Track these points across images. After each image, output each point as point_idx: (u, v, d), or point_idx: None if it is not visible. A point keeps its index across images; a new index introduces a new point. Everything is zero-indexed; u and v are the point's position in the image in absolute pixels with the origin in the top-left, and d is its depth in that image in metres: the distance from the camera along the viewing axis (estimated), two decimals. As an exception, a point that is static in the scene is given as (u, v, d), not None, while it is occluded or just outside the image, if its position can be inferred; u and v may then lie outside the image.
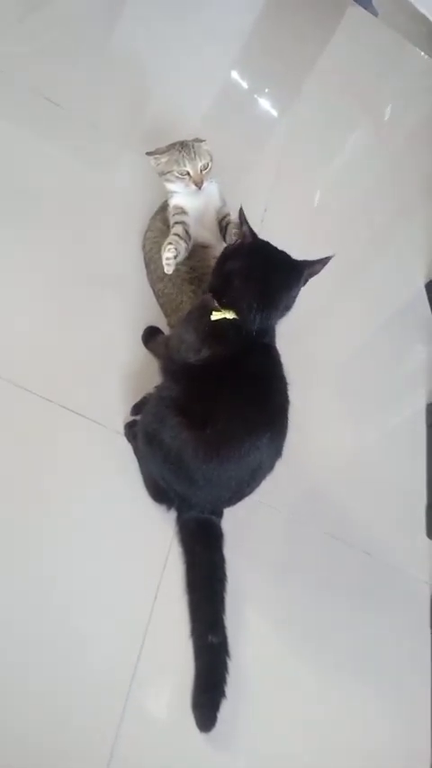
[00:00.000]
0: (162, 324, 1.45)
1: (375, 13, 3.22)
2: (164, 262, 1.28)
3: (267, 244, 1.15)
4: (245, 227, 1.09)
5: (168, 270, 1.29)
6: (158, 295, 1.46)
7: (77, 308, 1.38)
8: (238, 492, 1.11)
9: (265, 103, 2.32)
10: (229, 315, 1.07)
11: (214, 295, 1.11)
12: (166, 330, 1.43)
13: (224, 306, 1.08)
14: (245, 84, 2.32)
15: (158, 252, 1.43)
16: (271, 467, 1.10)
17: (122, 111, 1.81)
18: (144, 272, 1.50)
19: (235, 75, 2.33)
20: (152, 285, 1.48)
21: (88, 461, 1.22)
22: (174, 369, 1.13)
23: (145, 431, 1.12)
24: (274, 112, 2.32)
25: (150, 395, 1.18)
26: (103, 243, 1.51)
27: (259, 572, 1.25)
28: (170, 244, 1.29)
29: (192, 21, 2.27)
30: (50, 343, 1.30)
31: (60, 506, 1.15)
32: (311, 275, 1.13)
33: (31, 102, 1.63)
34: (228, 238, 1.45)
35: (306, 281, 1.13)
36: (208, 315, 1.08)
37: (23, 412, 1.19)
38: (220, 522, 1.18)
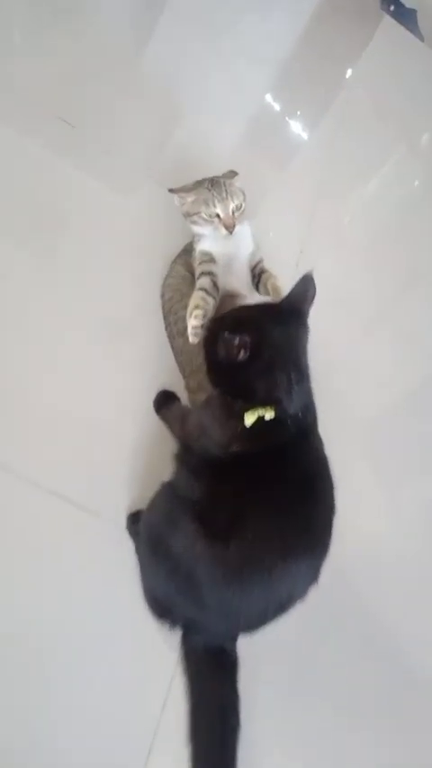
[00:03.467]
0: (179, 385, 1.24)
1: (422, 38, 3.06)
2: (189, 331, 1.09)
3: (263, 318, 0.94)
4: (246, 346, 0.88)
5: (194, 340, 1.08)
6: (177, 352, 1.26)
7: (77, 362, 1.19)
8: (259, 623, 0.90)
9: (298, 129, 2.12)
10: (267, 413, 0.87)
11: (234, 399, 0.92)
12: (182, 394, 1.23)
13: (253, 407, 0.88)
14: (278, 109, 2.14)
15: (180, 302, 1.26)
16: (303, 595, 0.88)
17: (147, 137, 1.63)
18: (161, 323, 1.31)
19: (269, 98, 2.15)
20: (170, 340, 1.28)
21: (80, 559, 1.02)
22: (193, 462, 0.92)
23: (150, 533, 0.92)
24: (309, 139, 2.12)
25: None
26: (115, 287, 1.32)
27: (271, 692, 1.03)
28: (197, 308, 1.09)
29: (226, 42, 2.10)
30: (39, 407, 1.10)
31: (48, 615, 0.96)
32: (311, 305, 0.97)
33: (46, 123, 1.46)
34: (261, 289, 1.25)
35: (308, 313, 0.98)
36: (237, 418, 0.88)
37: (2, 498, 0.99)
38: (234, 647, 0.96)
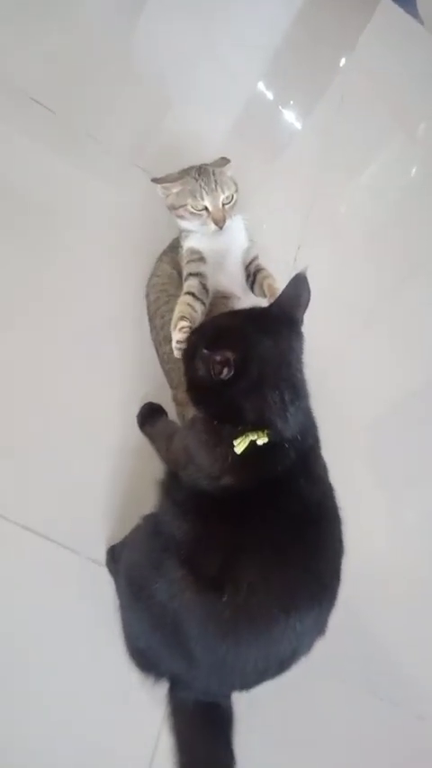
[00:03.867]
0: (166, 396, 1.12)
1: (421, 22, 2.93)
2: (174, 345, 0.96)
3: (249, 328, 0.82)
4: (229, 363, 0.76)
5: (179, 354, 0.95)
6: (164, 360, 1.14)
7: (50, 371, 1.07)
8: (257, 681, 0.78)
9: (292, 117, 2.00)
10: (260, 438, 0.75)
11: (221, 422, 0.80)
12: (169, 407, 1.11)
13: (243, 432, 0.77)
14: (271, 96, 2.01)
15: (167, 303, 1.14)
16: (308, 650, 0.77)
17: (132, 123, 1.50)
18: (146, 326, 1.19)
19: (262, 85, 2.02)
20: (156, 346, 1.16)
21: (51, 598, 0.90)
22: (180, 496, 0.80)
23: (130, 575, 0.80)
24: (304, 128, 2.00)
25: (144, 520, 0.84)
26: (95, 286, 1.20)
27: (269, 745, 0.92)
28: (183, 319, 0.96)
29: (217, 24, 1.96)
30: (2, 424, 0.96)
31: (14, 664, 0.84)
32: (305, 310, 0.86)
33: (22, 106, 1.33)
34: (256, 290, 1.13)
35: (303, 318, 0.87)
36: (226, 444, 0.77)
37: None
38: (229, 701, 0.85)
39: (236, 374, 0.76)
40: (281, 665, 0.75)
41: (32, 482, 0.95)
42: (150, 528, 0.81)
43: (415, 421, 1.50)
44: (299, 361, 0.83)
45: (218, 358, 0.75)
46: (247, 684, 0.78)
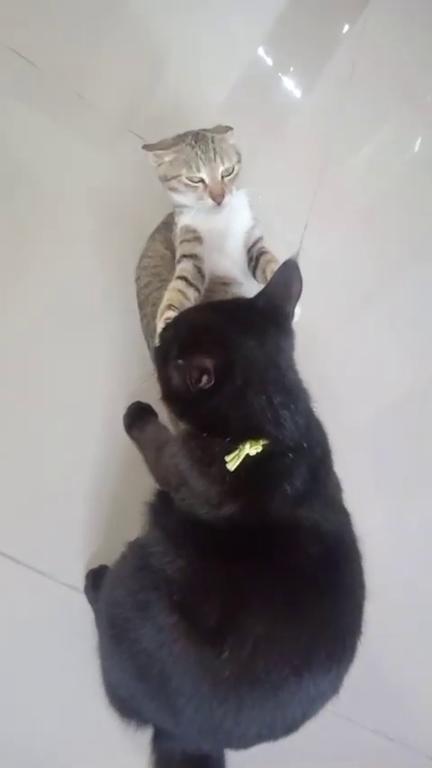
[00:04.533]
0: (157, 396, 1.00)
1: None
2: (158, 340, 0.83)
3: (230, 325, 0.72)
4: (209, 371, 0.66)
5: None
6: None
7: (23, 364, 0.96)
8: (257, 742, 0.68)
9: (293, 87, 1.86)
10: (253, 449, 0.66)
11: (210, 435, 0.70)
12: (160, 407, 0.98)
13: (235, 444, 0.67)
14: (271, 63, 1.88)
15: (159, 289, 1.03)
16: (318, 711, 0.66)
17: (126, 85, 1.37)
18: (136, 314, 1.07)
19: (262, 51, 1.88)
20: (146, 337, 1.05)
21: (20, 630, 0.80)
22: (173, 526, 0.69)
23: (112, 615, 0.69)
24: (307, 99, 1.87)
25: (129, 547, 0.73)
26: (77, 266, 1.11)
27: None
28: (171, 308, 0.85)
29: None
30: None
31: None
32: (296, 302, 0.76)
33: (4, 59, 1.20)
34: (259, 275, 1.02)
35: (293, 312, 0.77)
36: (220, 463, 0.67)
37: None
38: (222, 751, 0.75)
39: (216, 382, 0.66)
40: (287, 730, 0.65)
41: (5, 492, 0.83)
42: (137, 560, 0.70)
43: (419, 411, 1.40)
44: (290, 361, 0.74)
45: (194, 366, 0.65)
46: (244, 746, 0.69)
